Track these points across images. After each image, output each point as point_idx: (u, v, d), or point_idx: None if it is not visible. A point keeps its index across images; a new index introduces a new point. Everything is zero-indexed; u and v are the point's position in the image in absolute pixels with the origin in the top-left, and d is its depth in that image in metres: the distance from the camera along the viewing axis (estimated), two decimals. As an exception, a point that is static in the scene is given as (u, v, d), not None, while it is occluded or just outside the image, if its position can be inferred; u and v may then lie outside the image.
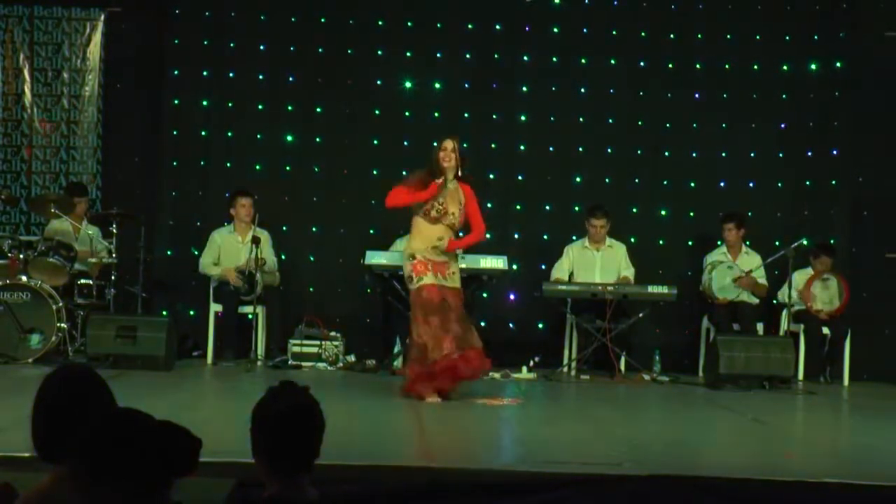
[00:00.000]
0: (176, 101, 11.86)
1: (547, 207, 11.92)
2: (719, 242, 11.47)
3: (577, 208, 11.77)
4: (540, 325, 11.74)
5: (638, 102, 11.93)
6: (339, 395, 8.90)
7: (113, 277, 10.70)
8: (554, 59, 11.94)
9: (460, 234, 9.00)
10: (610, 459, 6.07)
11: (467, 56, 11.93)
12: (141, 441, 2.59)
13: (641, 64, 11.94)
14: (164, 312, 11.30)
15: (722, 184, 12.00)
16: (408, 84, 11.94)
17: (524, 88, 11.95)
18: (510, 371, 10.67)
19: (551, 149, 11.92)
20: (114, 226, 10.79)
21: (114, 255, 10.73)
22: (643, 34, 11.90)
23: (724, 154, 11.96)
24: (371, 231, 11.66)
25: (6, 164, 11.70)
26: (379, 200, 11.68)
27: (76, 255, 10.52)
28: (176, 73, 11.86)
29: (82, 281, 10.66)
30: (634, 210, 11.91)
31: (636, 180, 11.98)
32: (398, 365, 10.62)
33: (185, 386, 9.45)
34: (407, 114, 11.90)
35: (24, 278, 10.30)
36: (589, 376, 10.72)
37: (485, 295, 11.50)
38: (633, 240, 11.60)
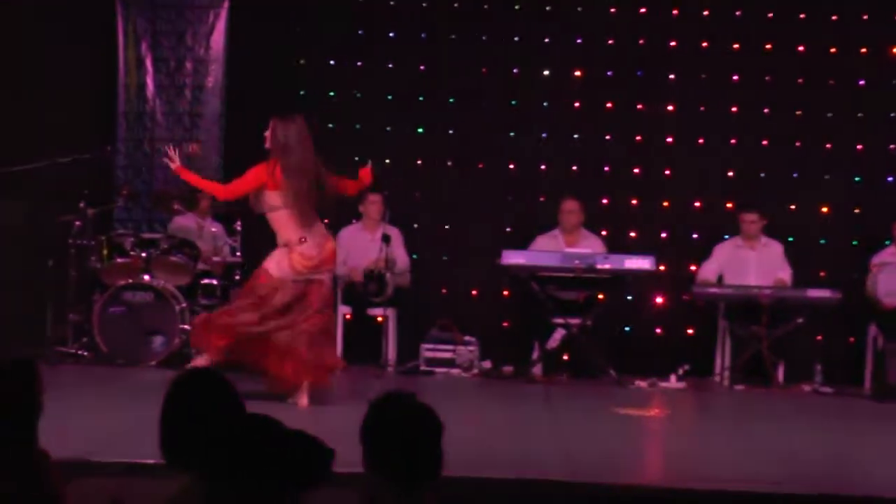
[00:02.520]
0: (302, 92, 12.00)
1: (696, 204, 11.78)
2: (887, 242, 11.19)
3: (729, 205, 11.61)
4: (689, 331, 11.60)
5: (797, 90, 11.70)
6: (475, 404, 8.93)
7: (237, 277, 10.87)
8: (704, 43, 11.78)
9: None
10: (767, 477, 5.98)
11: (609, 42, 11.84)
12: (272, 449, 2.61)
13: (800, 49, 11.72)
14: (291, 314, 11.42)
15: (890, 179, 11.71)
16: (546, 72, 11.91)
17: (671, 76, 11.82)
18: (657, 380, 10.57)
19: (701, 141, 11.78)
20: (238, 223, 10.96)
21: (238, 254, 10.91)
22: (801, 16, 11.68)
23: (892, 146, 11.67)
24: (508, 229, 11.65)
25: (128, 158, 11.93)
26: (516, 196, 11.78)
27: (199, 254, 10.72)
28: (302, 62, 12.01)
29: (206, 281, 10.84)
30: (792, 206, 11.69)
31: (794, 174, 11.76)
32: (538, 372, 10.60)
33: (312, 392, 9.54)
34: (545, 104, 11.86)
35: (146, 278, 10.53)
36: (743, 386, 10.56)
37: (629, 298, 11.41)
38: (790, 238, 11.39)
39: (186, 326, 10.39)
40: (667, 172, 11.82)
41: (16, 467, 3.65)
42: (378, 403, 3.28)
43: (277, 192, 8.54)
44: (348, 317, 11.06)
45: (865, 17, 11.67)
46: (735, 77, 11.77)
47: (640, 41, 11.81)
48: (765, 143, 11.75)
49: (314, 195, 8.60)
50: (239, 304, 8.72)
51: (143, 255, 10.62)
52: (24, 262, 11.20)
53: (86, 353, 10.51)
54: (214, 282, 10.86)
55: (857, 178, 11.75)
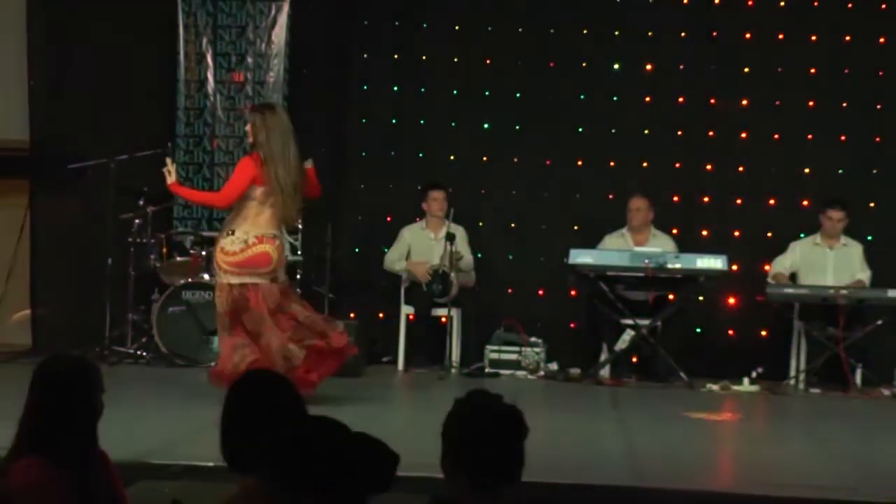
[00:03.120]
0: (364, 87, 12.07)
1: (771, 202, 11.70)
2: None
3: (805, 202, 11.53)
4: (763, 333, 11.53)
5: (877, 83, 11.59)
6: (541, 407, 8.94)
7: (297, 276, 10.94)
8: (780, 36, 11.70)
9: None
10: (843, 483, 5.95)
11: (682, 34, 11.79)
12: (336, 453, 2.64)
13: (881, 41, 11.60)
14: (352, 315, 11.50)
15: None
16: (616, 65, 11.89)
17: (746, 69, 11.75)
18: (730, 383, 10.52)
19: (776, 136, 11.70)
20: (299, 221, 11.03)
21: (298, 253, 10.99)
22: (882, 7, 11.56)
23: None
24: (576, 227, 11.65)
25: (188, 155, 12.03)
26: (585, 193, 11.77)
27: (260, 253, 10.79)
28: (365, 56, 12.07)
29: (266, 280, 10.91)
30: (871, 205, 11.58)
31: (873, 171, 11.65)
32: (605, 374, 10.60)
33: (374, 394, 9.62)
34: (615, 98, 11.85)
35: (206, 277, 10.63)
36: (819, 390, 10.49)
37: (701, 298, 11.36)
38: (869, 238, 11.28)
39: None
40: (740, 169, 11.76)
41: (77, 468, 3.72)
42: (464, 403, 3.30)
43: (262, 187, 8.40)
44: (411, 317, 11.10)
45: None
46: (812, 70, 11.67)
47: (714, 33, 11.76)
48: (843, 138, 11.65)
49: (298, 196, 8.54)
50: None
51: (203, 253, 10.72)
52: (84, 261, 11.36)
53: (145, 354, 10.64)
54: (275, 281, 10.93)
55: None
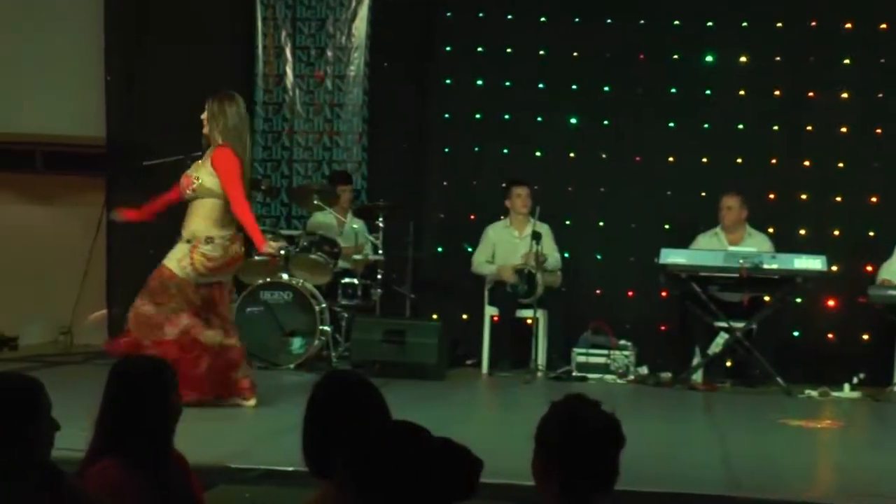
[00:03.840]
0: (448, 81, 12.09)
1: (873, 199, 11.56)
2: None
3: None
4: (865, 336, 11.40)
5: None
6: (631, 413, 8.87)
7: (379, 276, 11.01)
8: (883, 25, 11.55)
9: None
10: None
11: (778, 24, 11.69)
12: (419, 459, 2.64)
13: None
14: (435, 316, 11.53)
15: None
16: (709, 58, 11.81)
17: (846, 61, 11.62)
18: (829, 389, 10.41)
19: (878, 131, 11.56)
20: (380, 219, 11.09)
21: (380, 252, 11.04)
22: None
23: None
24: (667, 226, 11.59)
25: (266, 151, 12.14)
26: (676, 191, 11.71)
27: (340, 252, 10.88)
28: (448, 49, 12.09)
29: (346, 280, 10.99)
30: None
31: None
32: (697, 378, 10.54)
33: (457, 398, 9.64)
34: (708, 92, 11.77)
35: (284, 276, 10.72)
36: (925, 397, 10.35)
37: (798, 300, 11.26)
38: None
39: (326, 328, 10.56)
40: (840, 165, 11.63)
41: (154, 470, 3.77)
42: (561, 407, 3.30)
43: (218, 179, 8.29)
44: (495, 319, 11.11)
45: None
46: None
47: (812, 23, 11.63)
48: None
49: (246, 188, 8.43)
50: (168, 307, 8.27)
51: (282, 252, 10.79)
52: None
53: (223, 355, 10.70)
54: (355, 281, 11.00)
55: None
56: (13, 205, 14.33)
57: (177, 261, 8.24)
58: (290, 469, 5.72)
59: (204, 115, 8.38)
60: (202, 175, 8.28)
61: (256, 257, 10.81)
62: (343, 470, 2.73)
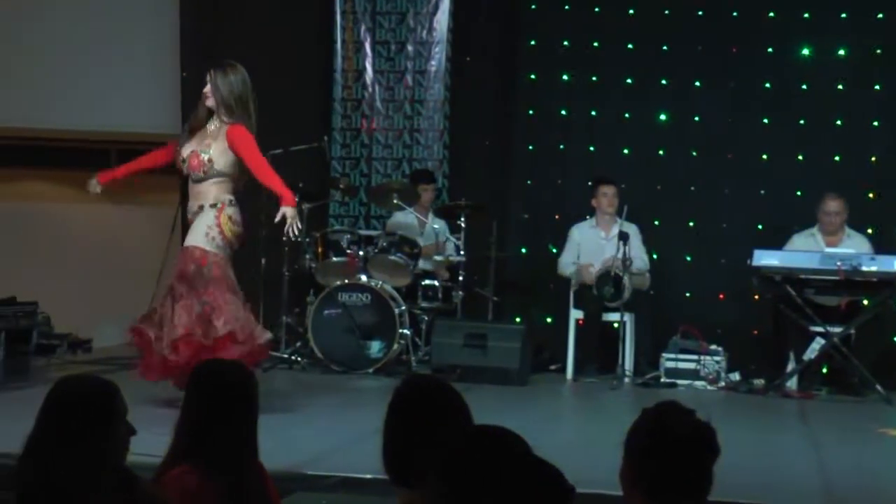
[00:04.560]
0: (532, 76, 12.09)
1: None
2: None
3: None
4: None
5: None
6: (722, 421, 8.79)
7: (460, 278, 11.03)
8: None
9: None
10: None
11: (878, 15, 11.57)
12: (511, 469, 2.62)
13: None
14: (518, 319, 11.54)
15: None
16: (805, 51, 11.70)
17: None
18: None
19: None
20: (461, 219, 11.10)
21: (462, 253, 11.06)
22: None
23: None
24: (759, 226, 11.51)
25: (345, 149, 12.20)
26: (770, 190, 11.61)
27: (420, 253, 10.91)
28: (532, 43, 12.09)
29: (427, 282, 11.03)
30: None
31: None
32: (792, 386, 10.44)
33: (541, 404, 9.64)
34: (804, 86, 11.67)
35: (363, 278, 10.77)
36: None
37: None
38: None
39: (406, 331, 10.59)
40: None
41: (231, 477, 3.81)
42: (653, 415, 3.28)
43: (238, 159, 8.19)
44: (581, 322, 11.09)
45: None
46: None
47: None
48: None
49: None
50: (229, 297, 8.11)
51: (361, 253, 10.85)
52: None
53: (299, 359, 10.80)
54: (436, 283, 11.03)
55: None
56: (87, 204, 14.53)
57: (203, 235, 8.08)
58: (369, 477, 5.75)
59: (206, 89, 8.26)
60: (214, 155, 8.13)
61: (334, 258, 10.91)
62: (427, 478, 2.71)
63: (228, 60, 8.37)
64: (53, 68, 12.82)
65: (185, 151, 8.22)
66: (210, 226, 8.07)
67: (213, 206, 8.10)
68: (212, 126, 8.28)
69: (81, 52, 12.71)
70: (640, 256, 11.09)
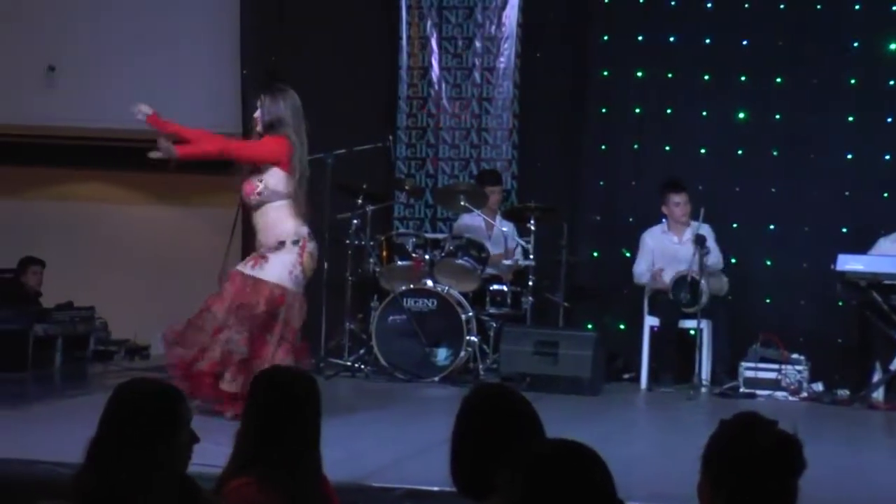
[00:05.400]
0: (605, 73, 12.07)
1: None
2: None
3: None
4: None
5: None
6: (804, 433, 8.75)
7: (530, 283, 11.02)
8: None
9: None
10: None
11: (972, 7, 11.48)
12: (587, 486, 2.62)
13: None
14: (590, 326, 11.52)
15: None
16: (893, 45, 11.61)
17: None
18: None
19: None
20: (531, 222, 11.10)
21: (531, 257, 11.05)
22: None
23: None
24: (844, 230, 11.44)
25: (410, 149, 12.23)
26: (855, 191, 11.51)
27: (488, 257, 10.91)
28: (605, 38, 12.07)
29: (495, 287, 11.03)
30: None
31: None
32: (878, 397, 10.36)
33: (614, 414, 9.61)
34: (891, 83, 11.58)
35: (429, 283, 10.79)
36: None
37: None
38: None
39: (473, 338, 10.60)
40: None
41: (293, 489, 3.83)
42: (732, 426, 3.26)
43: (289, 177, 8.16)
44: (656, 329, 11.05)
45: None
46: None
47: None
48: None
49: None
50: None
51: (426, 257, 10.87)
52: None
53: (363, 367, 10.83)
54: (504, 288, 11.03)
55: None
56: (145, 206, 14.71)
57: (287, 273, 8.05)
58: (436, 489, 5.76)
59: (256, 114, 8.28)
60: (266, 176, 8.11)
61: (399, 262, 10.93)
62: (495, 492, 2.72)
63: (280, 84, 8.39)
64: (110, 67, 12.95)
65: (242, 182, 8.25)
66: (294, 264, 8.07)
67: (295, 242, 8.09)
68: None
69: (139, 50, 12.84)
70: (716, 261, 11.02)
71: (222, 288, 8.15)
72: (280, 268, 8.04)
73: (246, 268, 8.10)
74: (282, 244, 8.07)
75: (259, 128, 8.23)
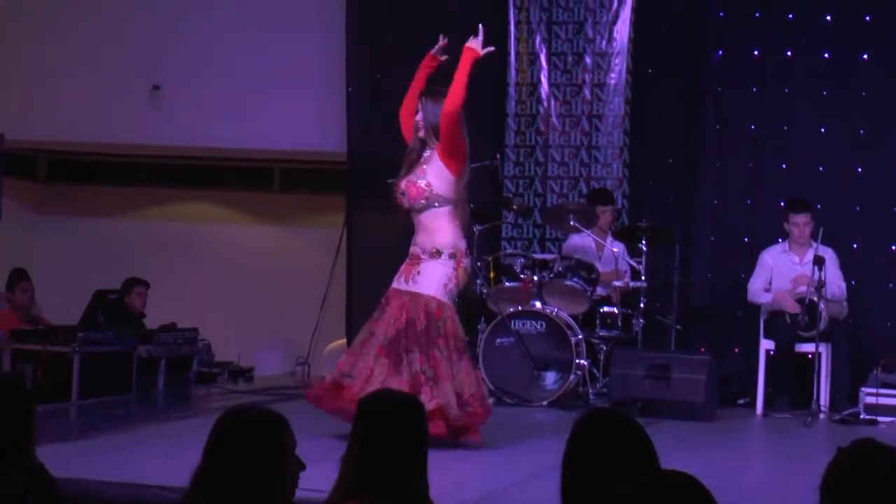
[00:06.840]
0: (719, 88, 11.99)
1: None
2: None
3: None
4: None
5: None
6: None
7: (642, 305, 10.99)
8: None
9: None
10: None
11: None
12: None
13: None
14: (703, 349, 11.44)
15: None
16: None
17: None
18: None
19: None
20: (643, 242, 11.07)
21: (643, 278, 11.02)
22: None
23: None
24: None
25: (519, 167, 12.24)
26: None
27: (599, 278, 10.89)
28: (720, 53, 12.00)
29: (605, 309, 11.00)
30: None
31: None
32: None
33: (729, 441, 9.54)
34: None
35: (537, 304, 10.79)
36: None
37: None
38: None
39: (583, 361, 10.58)
40: None
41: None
42: (850, 454, 3.23)
43: (457, 180, 8.21)
44: (772, 353, 10.96)
45: None
46: None
47: None
48: None
49: None
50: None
51: (535, 278, 10.87)
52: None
53: (470, 390, 10.82)
54: (615, 310, 11.00)
55: None
56: (250, 226, 14.86)
57: (442, 286, 8.09)
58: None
59: (418, 117, 8.33)
60: (431, 179, 8.16)
61: (507, 283, 10.95)
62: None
63: (439, 87, 8.45)
64: (215, 88, 13.11)
65: (403, 184, 8.26)
66: (450, 276, 8.11)
67: (453, 255, 8.13)
68: (426, 153, 8.34)
69: (244, 69, 12.99)
70: (836, 283, 10.90)
71: (382, 311, 8.18)
72: (435, 280, 8.09)
73: (401, 283, 8.18)
74: (438, 253, 8.13)
75: (422, 133, 8.29)
